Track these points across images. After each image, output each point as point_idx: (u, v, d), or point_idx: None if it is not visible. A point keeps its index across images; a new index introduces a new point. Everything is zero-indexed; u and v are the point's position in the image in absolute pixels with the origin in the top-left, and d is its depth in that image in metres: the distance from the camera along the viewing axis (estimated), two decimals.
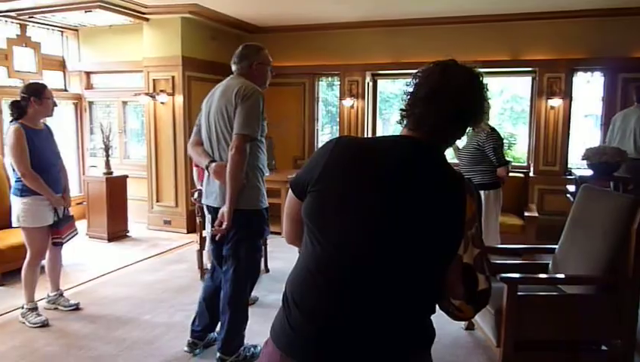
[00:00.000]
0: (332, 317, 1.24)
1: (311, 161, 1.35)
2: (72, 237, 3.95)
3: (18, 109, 3.57)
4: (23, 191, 3.57)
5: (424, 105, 1.29)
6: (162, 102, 6.47)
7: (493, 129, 4.33)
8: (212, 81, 6.61)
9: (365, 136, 6.99)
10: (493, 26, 6.26)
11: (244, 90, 2.84)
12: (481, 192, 4.25)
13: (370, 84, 7.14)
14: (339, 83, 7.19)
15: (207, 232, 4.43)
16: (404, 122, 1.34)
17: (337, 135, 7.17)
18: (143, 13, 6.28)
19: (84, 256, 5.49)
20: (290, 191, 1.41)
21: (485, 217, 4.26)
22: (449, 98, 1.28)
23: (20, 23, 6.50)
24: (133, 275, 4.95)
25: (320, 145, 1.34)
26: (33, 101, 3.57)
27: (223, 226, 2.86)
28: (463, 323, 3.65)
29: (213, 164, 2.95)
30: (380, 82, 7.39)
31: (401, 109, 1.36)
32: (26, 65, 6.61)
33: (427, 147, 1.30)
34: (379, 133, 7.47)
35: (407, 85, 1.35)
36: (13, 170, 3.60)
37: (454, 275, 1.26)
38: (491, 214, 4.36)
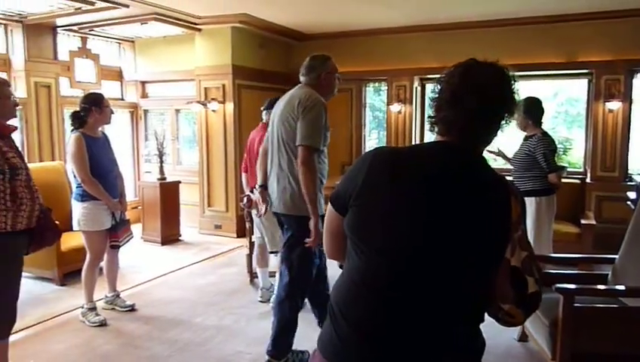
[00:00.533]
0: (378, 327, 1.24)
1: (349, 175, 1.34)
2: (129, 240, 4.11)
3: (78, 119, 3.77)
4: (83, 197, 3.76)
5: (449, 108, 1.28)
6: (213, 110, 6.65)
7: (544, 133, 4.19)
8: (261, 88, 6.81)
9: (413, 142, 6.93)
10: (545, 27, 6.06)
11: (307, 101, 2.91)
12: (533, 199, 4.12)
13: (419, 88, 7.07)
14: (386, 88, 7.16)
15: (255, 237, 4.51)
16: (435, 128, 1.33)
17: (385, 141, 7.16)
18: (195, 24, 6.49)
19: (139, 258, 5.70)
20: (329, 205, 1.40)
21: (537, 225, 4.12)
22: (472, 97, 1.25)
23: (81, 36, 6.86)
24: (186, 278, 5.10)
25: (367, 150, 1.31)
26: (94, 110, 3.76)
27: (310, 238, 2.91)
28: (515, 334, 3.55)
29: (257, 192, 3.22)
30: (429, 86, 7.30)
31: (429, 116, 1.35)
32: (87, 76, 6.97)
33: (462, 150, 1.29)
34: (427, 139, 7.38)
35: (433, 91, 1.35)
36: (74, 176, 3.80)
37: (503, 279, 1.24)
38: (544, 222, 4.21)
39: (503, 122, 1.33)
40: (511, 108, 1.31)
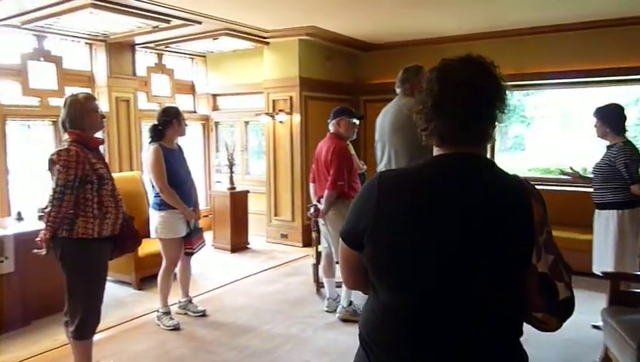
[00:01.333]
0: (416, 354, 1.20)
1: (357, 208, 1.27)
2: (201, 248, 4.27)
3: (157, 132, 3.98)
4: (161, 206, 3.94)
5: (438, 117, 1.23)
6: (281, 122, 6.79)
7: (626, 142, 3.92)
8: (326, 99, 6.88)
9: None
10: (626, 29, 5.70)
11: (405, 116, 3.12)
12: (615, 212, 3.86)
13: None
14: None
15: (322, 247, 4.54)
16: (432, 141, 1.28)
17: None
18: (264, 38, 6.67)
19: (210, 265, 5.89)
20: (341, 242, 1.33)
21: (620, 239, 3.86)
22: (457, 100, 1.20)
23: (157, 53, 7.24)
24: (253, 286, 5.21)
25: (370, 179, 1.25)
26: (173, 123, 3.96)
27: None
28: (597, 356, 3.33)
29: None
30: None
31: (421, 130, 1.29)
32: (162, 90, 7.34)
33: (470, 158, 1.23)
34: (497, 144, 7.13)
35: (418, 103, 1.29)
36: (152, 186, 3.99)
37: (531, 287, 1.18)
38: (627, 236, 3.93)
39: (498, 112, 1.25)
40: (500, 95, 1.24)
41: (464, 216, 1.16)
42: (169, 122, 3.96)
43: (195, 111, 8.00)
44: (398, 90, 3.42)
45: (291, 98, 6.74)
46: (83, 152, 2.86)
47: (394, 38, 6.87)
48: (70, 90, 6.13)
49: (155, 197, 4.00)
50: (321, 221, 4.34)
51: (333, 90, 7.13)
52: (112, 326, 4.08)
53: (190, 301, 4.44)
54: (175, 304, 4.36)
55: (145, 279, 5.06)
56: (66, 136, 2.94)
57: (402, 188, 1.23)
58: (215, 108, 8.05)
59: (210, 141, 8.07)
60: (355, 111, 4.44)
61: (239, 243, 6.62)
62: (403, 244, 1.19)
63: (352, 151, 4.44)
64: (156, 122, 4.00)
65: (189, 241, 4.08)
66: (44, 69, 5.94)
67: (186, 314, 4.35)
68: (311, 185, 4.69)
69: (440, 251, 1.16)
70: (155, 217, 3.99)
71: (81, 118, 2.91)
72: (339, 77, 7.27)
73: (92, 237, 2.88)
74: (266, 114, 6.86)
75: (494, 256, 1.17)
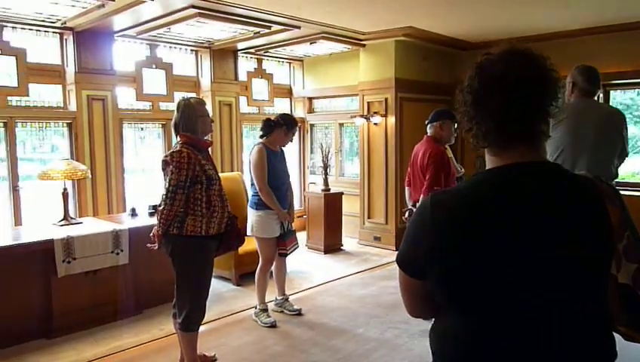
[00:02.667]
0: None
1: (412, 235, 1.18)
2: (294, 250, 4.35)
3: (267, 128, 4.13)
4: (258, 205, 4.08)
5: (478, 115, 1.13)
6: (375, 123, 6.75)
7: None
8: (422, 100, 6.74)
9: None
10: None
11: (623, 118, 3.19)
12: None
13: (601, 95, 6.33)
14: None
15: None
16: (480, 143, 1.17)
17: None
18: (360, 40, 6.67)
19: (305, 265, 6.00)
20: (399, 270, 1.25)
21: None
22: (493, 94, 1.09)
23: (257, 58, 7.51)
24: (347, 287, 5.22)
25: (422, 202, 1.13)
26: (283, 129, 4.13)
27: None
28: None
29: None
30: (616, 94, 6.52)
31: (465, 131, 1.18)
32: (261, 94, 7.60)
33: (532, 164, 1.11)
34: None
35: (460, 102, 1.18)
36: (252, 184, 4.14)
37: (611, 300, 1.05)
38: None
39: (550, 106, 1.12)
40: (549, 88, 1.11)
41: (535, 231, 1.07)
42: (279, 125, 4.11)
43: (292, 114, 8.19)
44: (593, 92, 3.21)
45: (386, 100, 6.68)
46: (194, 154, 3.02)
47: (495, 36, 6.54)
48: (179, 95, 6.56)
49: (253, 196, 4.15)
50: None
51: (429, 91, 6.97)
52: (214, 320, 4.27)
53: (286, 299, 4.54)
54: (272, 301, 4.48)
55: (243, 275, 5.25)
56: (177, 138, 3.13)
57: (462, 209, 1.13)
58: (310, 110, 8.19)
59: (305, 143, 8.23)
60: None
61: (333, 245, 6.67)
62: (475, 268, 1.09)
63: (450, 155, 4.29)
64: (272, 118, 4.16)
65: (283, 242, 4.17)
66: (156, 75, 6.39)
67: (282, 311, 4.45)
68: (406, 188, 4.59)
69: (521, 274, 1.07)
70: (251, 216, 4.14)
71: (192, 122, 3.08)
72: (436, 77, 7.08)
73: (200, 235, 3.03)
74: (361, 116, 6.85)
75: (578, 270, 1.07)
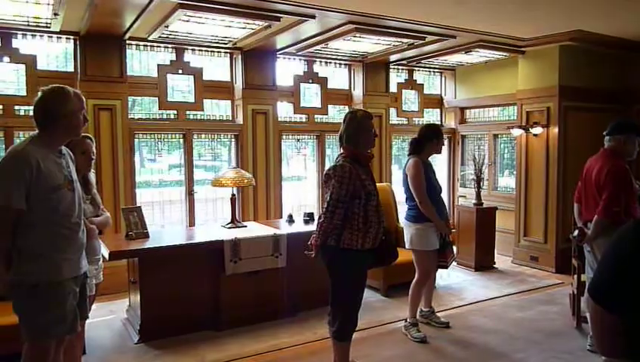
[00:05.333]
0: None
1: (613, 262, 1.02)
2: (453, 261, 4.23)
3: (416, 146, 4.11)
4: (417, 218, 4.04)
5: None
6: (535, 135, 6.30)
7: None
8: (591, 110, 6.16)
9: None
10: None
11: None
12: None
13: None
14: None
15: (587, 277, 4.02)
16: None
17: None
18: (519, 47, 6.30)
19: (454, 281, 5.80)
20: (591, 302, 1.06)
21: None
22: None
23: (408, 69, 7.49)
24: (501, 309, 4.92)
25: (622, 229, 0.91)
26: (433, 141, 4.09)
27: None
28: None
29: None
30: None
31: None
32: (412, 105, 7.56)
33: None
34: None
35: None
36: (407, 198, 4.12)
37: None
38: None
39: None
40: None
41: None
42: (430, 139, 4.07)
43: (442, 125, 8.02)
44: None
45: (548, 109, 6.19)
46: (355, 169, 3.08)
47: None
48: (332, 108, 6.83)
49: (410, 209, 4.12)
50: (586, 247, 3.85)
51: (598, 99, 6.32)
52: (364, 329, 4.29)
53: (433, 312, 4.44)
54: (417, 313, 4.38)
55: (392, 286, 5.24)
56: (340, 150, 3.22)
57: None
58: (462, 121, 7.93)
59: (455, 154, 7.98)
60: None
61: (484, 262, 6.34)
62: None
63: None
64: (417, 136, 4.13)
65: (443, 254, 4.09)
66: (312, 89, 6.73)
67: (428, 324, 4.36)
68: (575, 205, 4.20)
69: None
70: (410, 229, 4.10)
71: (356, 135, 3.15)
72: (605, 84, 6.40)
73: (355, 249, 3.08)
74: (519, 126, 6.45)
75: None
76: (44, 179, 2.39)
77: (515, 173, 6.82)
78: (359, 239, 3.09)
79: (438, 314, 4.49)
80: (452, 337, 4.19)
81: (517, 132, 6.49)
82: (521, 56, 6.45)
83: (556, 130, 6.14)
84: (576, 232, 3.93)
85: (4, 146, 4.91)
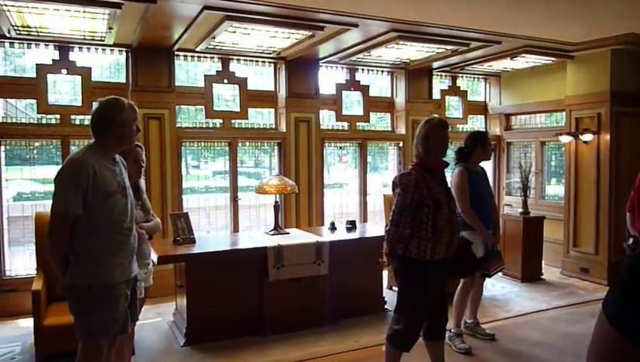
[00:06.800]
0: None
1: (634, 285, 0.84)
2: (499, 271, 4.17)
3: (462, 155, 4.06)
4: (461, 226, 3.97)
5: None
6: (585, 142, 6.10)
7: None
8: None
9: None
10: None
11: None
12: None
13: None
14: None
15: None
16: None
17: None
18: (568, 52, 6.12)
19: (499, 292, 5.66)
20: (610, 328, 0.87)
21: None
22: None
23: (451, 76, 7.41)
24: (549, 322, 4.77)
25: None
26: (478, 147, 4.03)
27: None
28: None
29: None
30: None
31: None
32: (455, 111, 7.47)
33: None
34: None
35: None
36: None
37: None
38: None
39: None
40: None
41: None
42: (474, 146, 4.01)
43: (486, 132, 7.87)
44: None
45: (599, 115, 5.99)
46: (422, 176, 3.03)
47: None
48: (373, 115, 6.84)
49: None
50: None
51: None
52: None
53: (478, 323, 4.35)
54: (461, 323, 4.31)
55: None
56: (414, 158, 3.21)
57: None
58: (508, 128, 7.76)
59: (501, 162, 7.80)
60: None
61: (531, 273, 6.16)
62: None
63: None
64: (463, 145, 4.09)
65: (487, 263, 4.01)
66: (354, 97, 6.75)
67: (473, 335, 4.27)
68: (627, 214, 4.06)
69: None
70: None
71: (425, 143, 3.09)
72: None
73: (423, 260, 3.01)
74: (568, 133, 6.25)
75: None
76: (99, 185, 2.50)
77: (563, 181, 6.61)
78: (428, 250, 2.99)
79: (483, 326, 4.39)
80: (498, 349, 4.09)
81: (566, 139, 6.30)
82: (570, 61, 6.27)
83: (607, 136, 5.92)
84: (631, 240, 3.79)
85: (60, 154, 5.15)
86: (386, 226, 3.13)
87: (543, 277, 6.23)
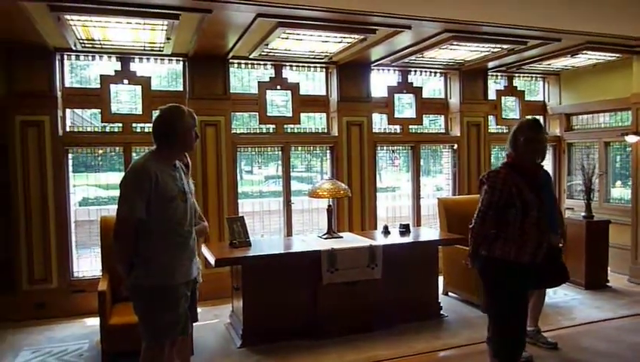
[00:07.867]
0: None
1: None
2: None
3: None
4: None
5: None
6: None
7: None
8: None
9: None
10: None
11: None
12: None
13: None
14: None
15: None
16: None
17: None
18: (633, 47, 5.81)
19: (561, 299, 5.44)
20: None
21: None
22: None
23: (507, 75, 7.20)
24: (617, 332, 4.53)
25: None
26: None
27: None
28: None
29: None
30: None
31: None
32: (511, 112, 7.25)
33: None
34: None
35: None
36: None
37: None
38: None
39: None
40: None
41: None
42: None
43: (546, 133, 7.58)
44: None
45: None
46: (511, 176, 2.97)
47: None
48: (426, 118, 6.75)
49: None
50: None
51: None
52: (464, 346, 4.19)
53: (539, 331, 4.19)
54: None
55: None
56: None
57: None
58: (568, 128, 7.44)
59: (561, 164, 7.50)
60: None
61: (595, 280, 5.86)
62: None
63: None
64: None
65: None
66: (406, 99, 6.68)
67: (534, 344, 4.10)
68: None
69: None
70: None
71: (514, 142, 3.06)
72: None
73: (508, 260, 2.93)
74: (635, 133, 5.93)
75: None
76: (161, 190, 2.60)
77: (629, 183, 6.27)
78: (512, 251, 2.91)
79: (545, 334, 4.23)
80: (561, 359, 3.93)
81: (632, 139, 5.97)
82: (636, 56, 5.95)
83: None
84: None
85: (123, 160, 5.39)
86: (470, 223, 3.05)
87: (608, 284, 5.92)
